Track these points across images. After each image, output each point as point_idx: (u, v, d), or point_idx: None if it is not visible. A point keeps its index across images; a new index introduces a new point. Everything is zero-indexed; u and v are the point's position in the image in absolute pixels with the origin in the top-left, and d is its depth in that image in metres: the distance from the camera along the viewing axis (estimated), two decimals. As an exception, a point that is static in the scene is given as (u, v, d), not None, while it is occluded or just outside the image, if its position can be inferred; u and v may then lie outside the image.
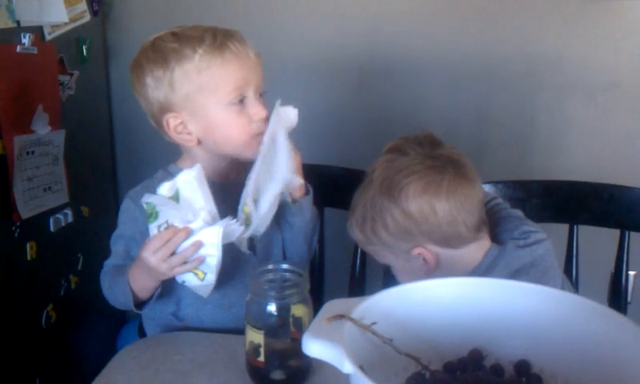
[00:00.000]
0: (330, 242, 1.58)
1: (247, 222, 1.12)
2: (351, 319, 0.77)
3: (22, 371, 1.81)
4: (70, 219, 1.95)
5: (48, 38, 1.83)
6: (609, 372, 0.77)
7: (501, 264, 1.10)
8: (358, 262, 1.53)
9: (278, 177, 1.15)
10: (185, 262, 1.07)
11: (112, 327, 2.26)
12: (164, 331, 1.24)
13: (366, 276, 1.54)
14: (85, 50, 2.01)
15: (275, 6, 2.12)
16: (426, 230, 1.08)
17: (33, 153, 1.78)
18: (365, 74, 2.07)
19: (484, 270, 1.11)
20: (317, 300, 1.51)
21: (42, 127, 1.80)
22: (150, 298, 1.17)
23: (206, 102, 1.16)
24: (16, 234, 1.75)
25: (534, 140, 1.99)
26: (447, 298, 0.88)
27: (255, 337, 0.94)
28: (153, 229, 1.08)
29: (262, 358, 0.94)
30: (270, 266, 1.00)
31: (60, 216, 1.90)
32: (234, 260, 1.21)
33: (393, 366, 0.82)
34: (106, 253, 1.27)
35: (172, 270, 1.08)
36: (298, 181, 1.21)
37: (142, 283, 1.14)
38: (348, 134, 2.12)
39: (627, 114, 1.95)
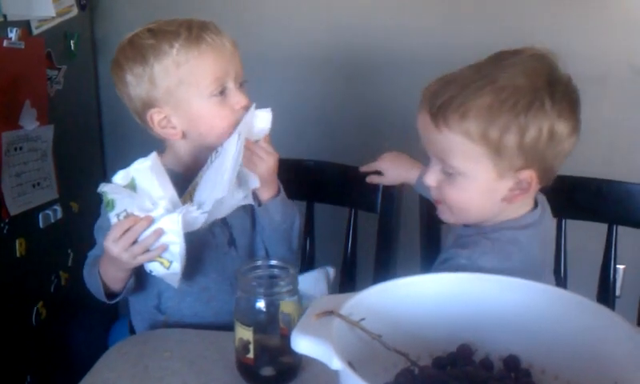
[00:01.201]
0: (320, 238, 1.58)
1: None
2: (340, 315, 0.77)
3: (12, 369, 1.80)
4: (60, 215, 1.94)
5: (35, 32, 1.82)
6: (598, 367, 0.78)
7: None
8: (349, 257, 1.53)
9: (223, 179, 1.12)
10: (147, 251, 1.08)
11: (103, 324, 2.26)
12: (149, 325, 1.24)
13: (357, 272, 1.54)
14: (72, 45, 2.00)
15: (264, 1, 2.11)
16: (551, 152, 1.01)
17: (21, 148, 1.77)
18: (354, 68, 2.06)
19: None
20: (307, 295, 1.51)
21: (29, 123, 1.78)
22: (123, 290, 1.18)
23: (188, 95, 1.16)
24: (5, 231, 1.74)
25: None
26: (436, 293, 0.88)
27: (244, 334, 0.94)
28: (112, 218, 1.08)
29: (251, 355, 0.94)
30: (259, 263, 1.00)
31: (49, 212, 1.89)
32: (212, 253, 1.23)
33: (382, 362, 0.82)
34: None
35: (134, 259, 1.08)
36: (254, 184, 1.20)
37: (110, 274, 1.16)
38: (337, 129, 2.11)
39: (615, 107, 1.95)
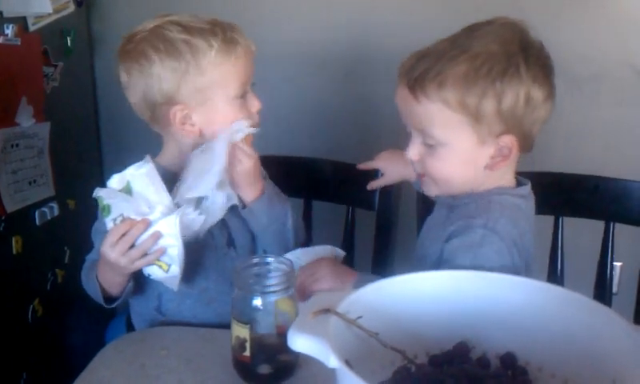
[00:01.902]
0: (318, 235, 1.57)
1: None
2: (337, 313, 0.77)
3: (8, 366, 1.80)
4: (56, 212, 1.93)
5: (32, 28, 1.81)
6: (595, 364, 0.78)
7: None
8: (346, 254, 1.53)
9: (207, 179, 1.13)
10: (145, 255, 1.07)
11: (99, 321, 2.25)
12: (149, 325, 1.23)
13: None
14: (69, 41, 1.99)
15: (262, -2, 2.11)
16: (529, 118, 1.03)
17: (17, 146, 1.77)
18: (352, 66, 2.06)
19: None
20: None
21: (26, 120, 1.78)
22: (122, 294, 1.17)
23: (215, 95, 1.16)
24: (1, 228, 1.73)
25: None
26: (433, 291, 0.88)
27: (241, 331, 0.94)
28: (109, 223, 1.07)
29: (247, 353, 0.94)
30: (255, 260, 1.00)
31: (46, 209, 1.89)
32: (211, 255, 1.22)
33: (379, 360, 0.82)
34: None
35: (132, 264, 1.07)
36: (232, 192, 1.19)
37: (108, 278, 1.14)
38: (334, 127, 2.11)
39: (612, 104, 1.95)
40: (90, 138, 2.24)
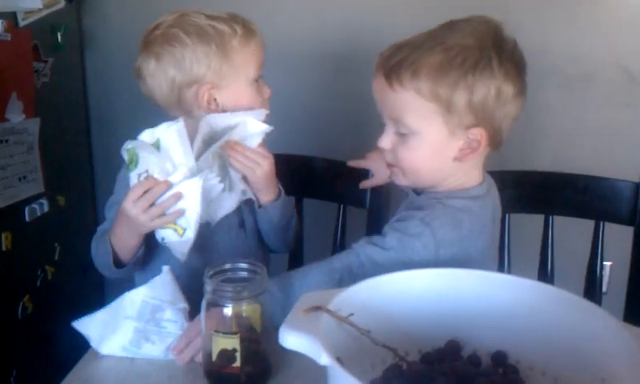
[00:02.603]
0: (310, 233, 1.57)
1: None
2: (328, 311, 0.77)
3: (-3, 363, 1.79)
4: (46, 209, 1.92)
5: (22, 24, 1.80)
6: (585, 362, 0.78)
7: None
8: (338, 252, 1.53)
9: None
10: (164, 215, 1.10)
11: (89, 318, 2.25)
12: None
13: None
14: (60, 37, 1.98)
15: (254, -5, 2.10)
16: (499, 113, 1.05)
17: (7, 141, 1.76)
18: (343, 63, 2.06)
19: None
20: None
21: (16, 115, 1.77)
22: (133, 258, 1.19)
23: (238, 78, 1.23)
24: (-10, 224, 1.73)
25: (510, 130, 2.00)
26: (424, 289, 0.88)
27: (228, 343, 0.92)
28: (133, 178, 1.10)
29: (237, 363, 0.92)
30: (227, 266, 0.98)
31: (35, 206, 1.88)
32: (225, 234, 1.25)
33: (370, 358, 0.82)
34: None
35: (151, 221, 1.10)
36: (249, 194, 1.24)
37: (122, 238, 1.17)
38: (326, 125, 2.11)
39: (603, 104, 1.96)
40: (80, 133, 2.23)
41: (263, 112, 1.23)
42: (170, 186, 1.08)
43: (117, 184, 1.28)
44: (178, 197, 1.09)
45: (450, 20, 1.09)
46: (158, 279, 1.05)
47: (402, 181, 1.14)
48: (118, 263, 1.20)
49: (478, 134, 1.05)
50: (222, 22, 1.22)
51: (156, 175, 1.08)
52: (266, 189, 1.26)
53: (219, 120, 1.19)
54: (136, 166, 1.09)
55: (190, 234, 1.11)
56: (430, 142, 1.06)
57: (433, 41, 1.04)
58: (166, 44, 1.19)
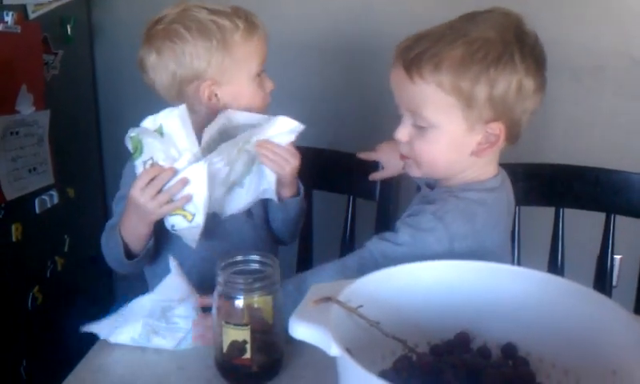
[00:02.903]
0: (319, 225, 1.57)
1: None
2: (338, 302, 0.77)
3: (8, 354, 1.80)
4: (56, 200, 1.93)
5: (32, 16, 1.80)
6: (595, 355, 0.78)
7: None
8: (347, 245, 1.53)
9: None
10: (172, 201, 1.10)
11: (99, 309, 2.25)
12: None
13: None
14: (69, 29, 1.99)
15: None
16: (519, 107, 1.04)
17: (17, 133, 1.76)
18: (353, 55, 2.05)
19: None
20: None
21: (26, 107, 1.77)
22: (143, 249, 1.20)
23: (239, 73, 1.23)
24: (1, 216, 1.73)
25: (527, 124, 2.00)
26: (434, 280, 0.88)
27: (238, 335, 0.92)
28: (139, 166, 1.10)
29: (248, 355, 0.93)
30: (239, 258, 0.97)
31: (45, 197, 1.89)
32: (232, 221, 1.25)
33: (380, 349, 0.82)
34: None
35: (160, 208, 1.11)
36: (270, 187, 1.25)
37: (132, 228, 1.17)
38: (336, 117, 2.11)
39: (613, 96, 1.95)
40: (90, 126, 2.24)
41: (291, 121, 1.22)
42: (175, 172, 1.09)
43: (123, 178, 1.29)
44: (185, 182, 1.09)
45: (472, 11, 1.07)
46: (166, 281, 1.06)
47: (415, 172, 1.13)
48: (129, 255, 1.20)
49: (497, 128, 1.04)
50: (224, 16, 1.21)
51: (161, 162, 1.09)
52: (290, 185, 1.28)
53: (240, 117, 1.21)
54: (141, 153, 1.09)
55: (199, 220, 1.11)
56: (448, 135, 1.05)
57: (454, 33, 1.03)
58: (167, 39, 1.20)
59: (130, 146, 1.11)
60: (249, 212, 1.30)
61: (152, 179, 1.09)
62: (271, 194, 1.26)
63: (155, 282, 1.23)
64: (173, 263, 1.07)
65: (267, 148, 1.19)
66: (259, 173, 1.23)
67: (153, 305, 1.04)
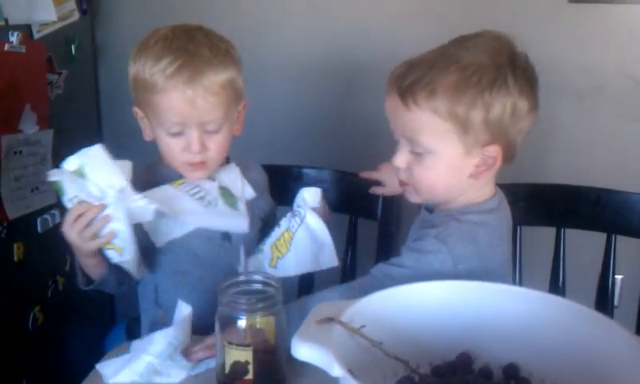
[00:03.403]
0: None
1: None
2: (340, 322, 0.77)
3: (8, 373, 1.79)
4: (58, 220, 1.92)
5: (36, 36, 1.82)
6: (597, 375, 0.78)
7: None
8: (349, 264, 1.53)
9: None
10: (99, 236, 1.10)
11: (100, 329, 2.25)
12: (150, 323, 1.26)
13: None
14: (73, 49, 2.00)
15: (267, 7, 2.12)
16: (514, 129, 1.05)
17: (20, 152, 1.77)
18: (354, 75, 2.07)
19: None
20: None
21: (29, 127, 1.78)
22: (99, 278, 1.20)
23: (153, 117, 1.20)
24: (3, 235, 1.73)
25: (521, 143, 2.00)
26: (436, 301, 0.88)
27: (241, 355, 0.92)
28: (67, 203, 1.11)
29: (250, 376, 0.92)
30: (241, 278, 0.98)
31: (47, 217, 1.89)
32: (204, 246, 1.24)
33: (382, 370, 0.82)
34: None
35: (86, 244, 1.10)
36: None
37: (81, 260, 1.17)
38: (337, 136, 2.12)
39: (614, 117, 1.96)
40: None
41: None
42: (103, 207, 1.08)
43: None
44: (107, 219, 1.08)
45: (461, 35, 1.09)
46: (183, 320, 1.05)
47: (415, 199, 1.14)
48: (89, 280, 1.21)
49: (494, 151, 1.05)
50: (152, 51, 1.16)
51: (84, 199, 1.09)
52: None
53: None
54: (64, 193, 1.10)
55: (127, 255, 1.12)
56: (445, 160, 1.06)
57: (446, 59, 1.04)
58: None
59: (53, 187, 1.12)
60: (226, 234, 1.26)
61: (80, 215, 1.08)
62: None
63: (144, 305, 1.27)
64: (185, 308, 1.06)
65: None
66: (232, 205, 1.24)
67: (168, 345, 1.02)
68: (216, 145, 1.20)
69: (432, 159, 1.06)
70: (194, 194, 1.20)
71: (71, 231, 1.09)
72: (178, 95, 1.14)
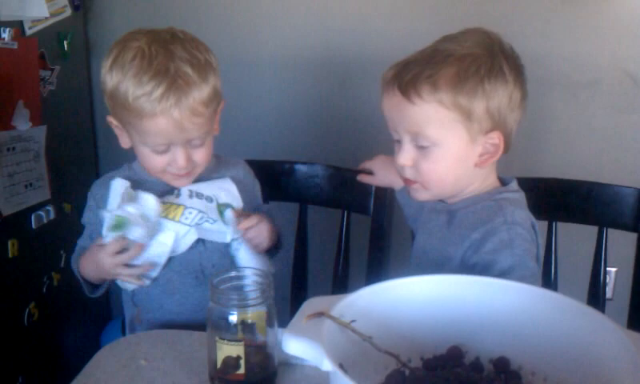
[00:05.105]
0: (314, 240, 1.58)
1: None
2: (331, 317, 0.78)
3: (4, 370, 1.80)
4: (52, 216, 1.93)
5: (28, 32, 1.81)
6: (587, 369, 0.78)
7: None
8: (341, 259, 1.54)
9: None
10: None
11: (95, 324, 2.25)
12: (129, 319, 1.30)
13: (349, 274, 1.55)
14: (66, 45, 2.00)
15: (260, 3, 2.11)
16: (511, 117, 1.09)
17: (14, 149, 1.77)
18: (347, 71, 2.07)
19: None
20: (300, 298, 1.51)
21: (22, 123, 1.78)
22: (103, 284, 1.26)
23: (134, 134, 1.19)
24: (-3, 231, 1.74)
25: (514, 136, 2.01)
26: (427, 295, 0.88)
27: (232, 350, 0.92)
28: (107, 237, 1.15)
29: (242, 371, 0.92)
30: (232, 273, 0.98)
31: (42, 213, 1.89)
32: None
33: (372, 364, 0.82)
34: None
35: (118, 276, 1.19)
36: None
37: (91, 275, 1.24)
38: (330, 132, 2.12)
39: (608, 111, 1.97)
40: (87, 141, 2.24)
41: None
42: (144, 248, 1.16)
43: (89, 203, 1.31)
44: (148, 268, 1.18)
45: (447, 34, 1.12)
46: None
47: (423, 196, 1.15)
48: (92, 285, 1.27)
49: (497, 137, 1.08)
50: (141, 63, 1.12)
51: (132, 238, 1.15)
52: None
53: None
54: (122, 230, 1.15)
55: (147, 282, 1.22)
56: (452, 151, 1.08)
57: (442, 53, 1.07)
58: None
59: (109, 222, 1.15)
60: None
61: (122, 250, 1.14)
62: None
63: (125, 304, 1.32)
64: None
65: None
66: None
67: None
68: (201, 155, 1.21)
69: (439, 152, 1.08)
70: (198, 224, 1.22)
71: (112, 260, 1.14)
72: (165, 120, 1.12)
